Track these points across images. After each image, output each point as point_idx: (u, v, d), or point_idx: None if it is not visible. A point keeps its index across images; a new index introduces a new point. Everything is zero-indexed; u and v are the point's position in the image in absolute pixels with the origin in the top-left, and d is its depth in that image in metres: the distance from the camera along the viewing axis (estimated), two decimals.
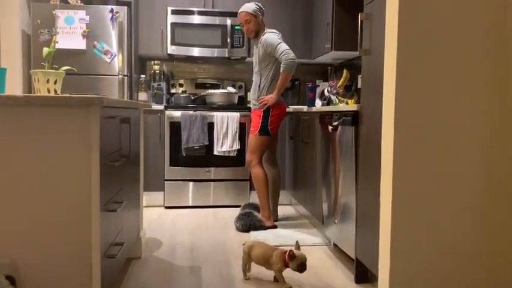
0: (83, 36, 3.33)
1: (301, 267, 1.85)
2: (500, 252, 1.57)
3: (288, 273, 2.13)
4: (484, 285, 1.58)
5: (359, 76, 3.34)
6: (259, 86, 3.04)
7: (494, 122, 1.55)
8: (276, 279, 1.99)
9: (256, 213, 3.05)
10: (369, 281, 2.08)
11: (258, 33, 3.04)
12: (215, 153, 3.60)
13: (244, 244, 2.05)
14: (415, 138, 1.54)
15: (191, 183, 3.67)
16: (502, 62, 1.53)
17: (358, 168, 2.06)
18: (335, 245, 2.57)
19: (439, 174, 1.54)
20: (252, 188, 3.70)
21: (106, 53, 3.39)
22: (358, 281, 2.09)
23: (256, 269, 2.19)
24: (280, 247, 2.05)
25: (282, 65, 2.87)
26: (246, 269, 2.04)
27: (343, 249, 2.32)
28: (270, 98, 2.96)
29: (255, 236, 2.83)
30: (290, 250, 1.88)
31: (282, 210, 3.56)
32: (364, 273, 2.08)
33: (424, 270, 1.58)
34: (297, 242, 1.99)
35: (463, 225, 1.56)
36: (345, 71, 2.89)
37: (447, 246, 1.57)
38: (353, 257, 2.12)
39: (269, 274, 2.12)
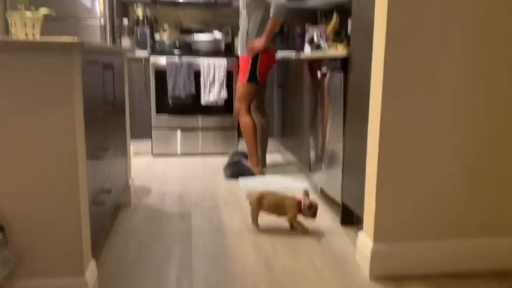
0: None
1: (315, 214, 1.96)
2: (486, 199, 1.62)
3: (272, 218, 2.20)
4: (470, 231, 1.64)
5: (349, 20, 3.26)
6: (247, 31, 2.95)
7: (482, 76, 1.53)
8: (292, 226, 2.04)
9: (244, 161, 3.08)
10: (354, 223, 2.15)
11: None
12: (202, 102, 3.56)
13: (249, 196, 2.04)
14: (403, 85, 1.52)
15: (179, 131, 3.66)
16: (490, 40, 1.49)
17: (346, 115, 2.05)
18: (322, 190, 2.62)
19: (426, 121, 1.55)
20: (240, 136, 3.70)
21: None
22: (344, 223, 2.15)
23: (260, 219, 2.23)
24: (291, 195, 2.07)
25: (271, 8, 2.77)
26: (256, 219, 2.05)
27: (329, 194, 2.36)
28: (259, 42, 2.89)
29: (244, 183, 2.87)
30: (310, 201, 1.96)
31: (270, 158, 3.59)
32: (349, 216, 2.14)
33: (408, 214, 1.62)
34: (306, 190, 2.02)
35: (449, 171, 1.59)
36: (334, 16, 2.81)
37: (433, 193, 1.61)
38: (339, 201, 2.17)
39: (272, 222, 2.16)
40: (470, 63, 1.52)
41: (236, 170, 3.00)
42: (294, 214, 1.98)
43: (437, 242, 1.64)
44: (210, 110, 3.64)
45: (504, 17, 1.50)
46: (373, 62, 1.58)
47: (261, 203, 2.02)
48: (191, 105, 3.60)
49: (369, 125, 1.64)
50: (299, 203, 1.98)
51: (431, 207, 1.62)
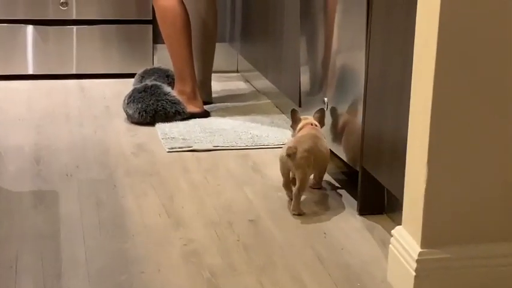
0: None
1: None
2: None
3: (238, 198, 2.24)
4: None
5: None
6: None
7: None
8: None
9: (167, 88, 3.08)
10: (385, 210, 2.20)
11: None
12: None
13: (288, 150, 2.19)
14: None
15: (29, 27, 3.63)
16: None
17: (372, 4, 2.05)
18: None
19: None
20: (158, 37, 3.65)
21: None
22: (364, 210, 2.19)
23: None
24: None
25: None
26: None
27: (336, 152, 2.40)
28: None
29: (166, 132, 2.87)
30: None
31: (221, 83, 3.60)
32: (375, 196, 2.19)
33: (486, 195, 1.68)
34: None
35: None
36: None
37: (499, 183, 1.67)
38: (356, 167, 2.21)
39: None
40: None
41: (151, 105, 2.99)
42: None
43: None
44: None
45: None
46: None
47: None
48: None
49: (417, 16, 1.64)
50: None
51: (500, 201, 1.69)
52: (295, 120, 2.38)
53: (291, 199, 2.22)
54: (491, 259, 1.70)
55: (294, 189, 2.19)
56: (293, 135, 2.38)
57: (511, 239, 1.71)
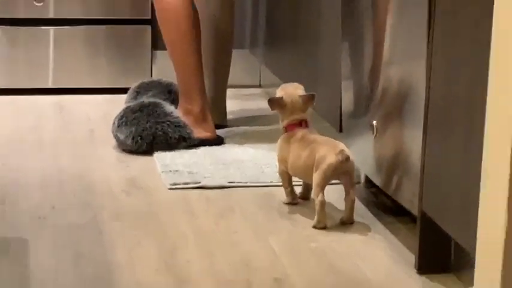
0: None
1: None
2: None
3: (259, 250, 2.23)
4: None
5: None
6: None
7: None
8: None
9: (169, 107, 3.10)
10: (451, 267, 2.18)
11: None
12: None
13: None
14: None
15: None
16: None
17: (435, 2, 2.06)
18: (370, 183, 2.66)
19: None
20: (158, 44, 3.68)
21: None
22: (425, 267, 2.18)
23: None
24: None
25: None
26: None
27: (388, 192, 2.41)
28: None
29: (167, 163, 2.88)
30: None
31: (238, 101, 3.62)
32: (439, 249, 2.17)
33: None
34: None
35: None
36: None
37: None
38: (414, 211, 2.20)
39: None
40: None
41: (148, 129, 3.01)
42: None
43: None
44: None
45: None
46: None
47: None
48: None
49: (493, 28, 1.64)
50: None
51: None
52: (282, 107, 2.57)
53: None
54: None
55: (318, 195, 2.41)
56: (284, 126, 2.57)
57: None
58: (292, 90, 2.56)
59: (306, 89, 2.58)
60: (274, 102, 2.57)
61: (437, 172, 2.07)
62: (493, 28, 1.67)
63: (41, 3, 3.63)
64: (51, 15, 3.68)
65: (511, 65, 1.60)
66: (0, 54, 3.67)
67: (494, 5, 1.66)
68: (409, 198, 2.25)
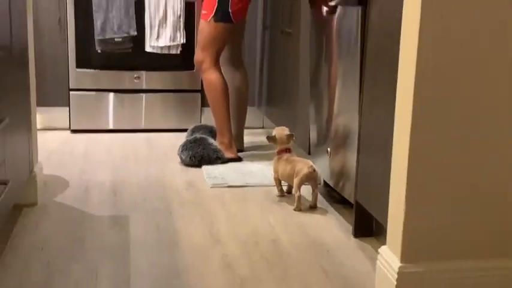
0: None
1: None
2: None
3: (263, 223, 2.23)
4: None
5: None
6: None
7: None
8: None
9: (211, 140, 3.08)
10: (373, 233, 2.17)
11: None
12: (148, 49, 3.54)
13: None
14: (446, 22, 1.52)
15: (111, 94, 3.65)
16: None
17: (364, 70, 2.06)
18: (326, 185, 2.64)
19: (477, 71, 1.56)
20: (204, 103, 3.68)
21: None
22: (358, 233, 2.17)
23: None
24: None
25: None
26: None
27: (337, 189, 2.39)
28: None
29: (209, 172, 2.86)
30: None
31: (250, 136, 3.60)
32: (366, 223, 2.16)
33: (455, 222, 1.65)
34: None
35: (497, 170, 1.64)
36: None
37: (479, 195, 1.65)
38: (351, 200, 2.19)
39: None
40: None
41: (199, 152, 2.99)
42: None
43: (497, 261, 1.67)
44: (158, 62, 3.62)
45: None
46: None
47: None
48: (131, 55, 3.57)
49: (398, 84, 1.64)
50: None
51: (484, 213, 1.66)
52: (275, 141, 2.57)
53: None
54: (459, 272, 1.67)
55: (297, 192, 2.42)
56: (277, 151, 2.57)
57: (478, 257, 1.69)
58: (281, 131, 2.56)
59: (290, 130, 2.58)
60: (270, 139, 2.57)
61: (366, 176, 2.07)
62: (397, 94, 1.67)
63: (138, 80, 3.65)
64: (144, 87, 3.68)
65: (407, 115, 1.60)
66: (115, 109, 3.68)
67: (398, 79, 1.66)
68: (349, 192, 2.25)
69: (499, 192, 1.67)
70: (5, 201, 1.80)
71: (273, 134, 2.58)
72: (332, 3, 2.33)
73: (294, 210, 2.41)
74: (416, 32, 1.52)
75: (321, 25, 2.50)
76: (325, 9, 2.43)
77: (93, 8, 3.43)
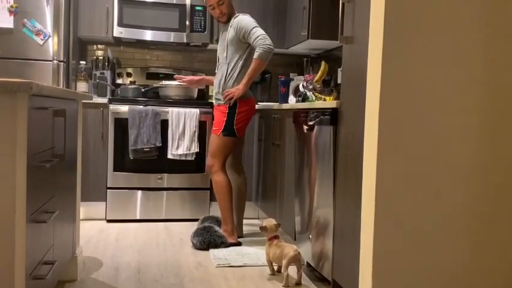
0: (10, 12, 3.23)
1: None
2: (494, 271, 1.63)
3: None
4: None
5: (339, 69, 3.40)
6: (225, 77, 3.03)
7: (486, 123, 1.60)
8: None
9: (217, 228, 3.06)
10: None
11: (230, 18, 3.04)
12: (169, 156, 3.58)
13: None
14: (401, 140, 1.57)
15: (139, 192, 3.64)
16: (496, 57, 1.59)
17: (336, 174, 2.09)
18: (309, 265, 2.59)
19: (428, 180, 1.59)
20: (212, 198, 3.69)
21: (38, 33, 3.30)
22: None
23: None
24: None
25: (256, 50, 2.87)
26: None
27: (317, 269, 2.36)
28: (237, 89, 2.96)
29: (215, 254, 2.82)
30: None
31: (248, 225, 3.58)
32: None
33: None
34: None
35: (454, 239, 1.61)
36: (323, 64, 2.94)
37: (436, 264, 1.62)
38: (329, 278, 2.15)
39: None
40: (475, 105, 1.58)
41: (207, 238, 2.96)
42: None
43: None
44: (177, 166, 3.65)
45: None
46: (366, 113, 1.63)
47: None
48: (155, 161, 3.61)
49: (363, 186, 1.66)
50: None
51: (437, 282, 1.62)
52: (266, 230, 2.51)
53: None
54: None
55: (285, 271, 2.35)
56: (268, 238, 2.51)
57: None
58: (270, 222, 2.52)
59: (279, 219, 2.57)
60: (262, 228, 2.52)
61: (341, 259, 2.04)
62: (362, 193, 1.68)
63: (161, 180, 3.66)
64: (165, 186, 3.68)
65: (370, 214, 1.61)
66: (141, 203, 3.66)
67: (363, 184, 1.68)
68: (327, 271, 2.21)
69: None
70: (52, 277, 1.77)
71: (264, 225, 2.52)
72: (311, 123, 2.41)
73: (283, 286, 2.35)
74: (375, 149, 1.57)
75: (303, 139, 2.56)
76: (305, 127, 2.51)
77: (129, 125, 3.52)
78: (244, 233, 3.34)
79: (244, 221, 3.47)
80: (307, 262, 2.61)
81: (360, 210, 1.73)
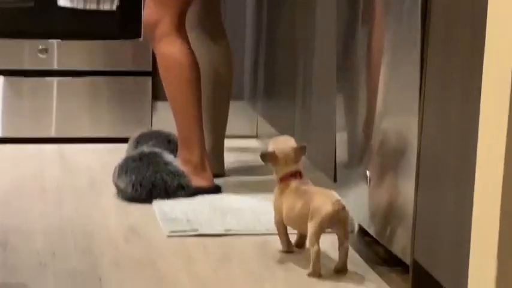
0: None
1: None
2: None
3: None
4: None
5: None
6: None
7: None
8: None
9: (168, 156, 3.10)
10: None
11: None
12: (61, 3, 3.59)
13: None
14: None
15: (0, 79, 3.69)
16: None
17: (428, 40, 2.08)
18: (363, 231, 2.66)
19: None
20: (159, 92, 3.69)
21: None
22: None
23: None
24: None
25: None
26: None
27: (382, 242, 2.41)
28: None
29: (165, 211, 2.87)
30: None
31: (237, 151, 3.63)
32: None
33: None
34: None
35: None
36: None
37: None
38: (406, 260, 2.20)
39: None
40: None
41: (147, 177, 3.01)
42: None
43: None
44: (80, 25, 3.70)
45: None
46: None
47: None
48: (32, 15, 3.64)
49: (483, 84, 1.65)
50: None
51: None
52: (275, 160, 2.52)
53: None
54: None
55: (314, 245, 2.36)
56: (279, 177, 2.53)
57: None
58: (283, 143, 2.55)
59: (302, 139, 2.58)
60: (267, 157, 2.54)
61: (429, 222, 2.07)
62: (482, 82, 1.68)
63: (45, 55, 3.64)
64: (55, 67, 3.67)
65: (501, 120, 1.61)
66: (5, 104, 3.67)
67: (484, 61, 1.67)
68: (402, 247, 2.25)
69: None
70: None
71: (271, 149, 2.56)
72: None
73: (309, 276, 2.39)
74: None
75: None
76: None
77: None
78: (227, 167, 3.40)
79: (229, 143, 3.51)
80: (359, 227, 2.67)
81: (475, 132, 1.73)
